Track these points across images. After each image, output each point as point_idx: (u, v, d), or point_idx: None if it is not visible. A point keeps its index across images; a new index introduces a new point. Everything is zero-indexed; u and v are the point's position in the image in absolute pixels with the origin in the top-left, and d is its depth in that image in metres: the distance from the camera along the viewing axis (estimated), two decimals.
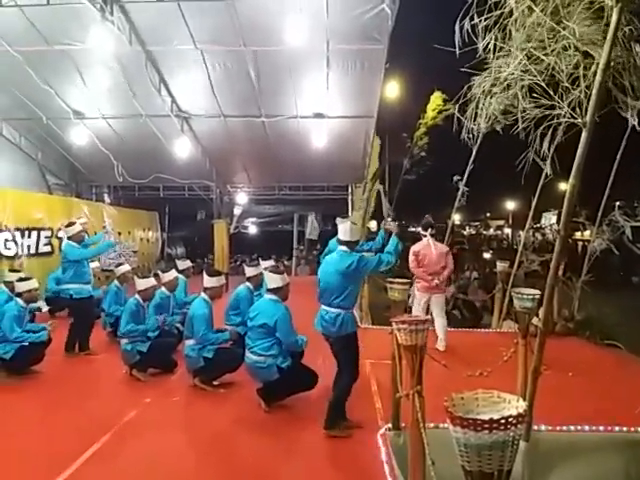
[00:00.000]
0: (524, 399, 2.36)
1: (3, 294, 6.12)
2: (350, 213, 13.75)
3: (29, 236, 9.43)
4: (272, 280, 4.88)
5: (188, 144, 11.30)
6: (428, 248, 6.95)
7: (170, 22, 8.05)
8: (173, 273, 6.91)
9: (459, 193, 8.81)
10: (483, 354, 6.03)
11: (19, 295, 5.88)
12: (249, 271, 6.43)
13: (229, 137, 11.59)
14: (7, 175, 10.90)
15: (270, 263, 6.86)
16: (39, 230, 9.72)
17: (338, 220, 4.48)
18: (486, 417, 1.90)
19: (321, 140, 11.04)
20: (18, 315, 5.75)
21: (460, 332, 8.33)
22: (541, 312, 3.52)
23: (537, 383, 3.31)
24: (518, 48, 3.24)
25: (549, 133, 3.31)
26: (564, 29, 3.00)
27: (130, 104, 10.34)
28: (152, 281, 6.21)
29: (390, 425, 4.18)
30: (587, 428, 4.23)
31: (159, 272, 7.14)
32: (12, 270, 7.09)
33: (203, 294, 5.55)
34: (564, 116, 3.05)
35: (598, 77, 2.81)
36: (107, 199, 15.25)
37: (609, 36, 2.75)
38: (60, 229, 10.01)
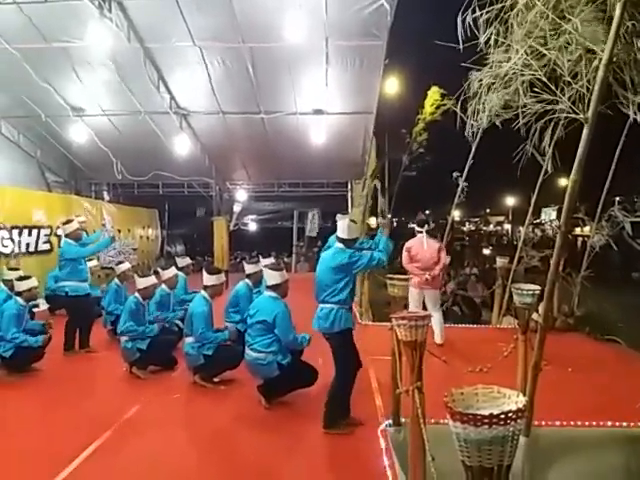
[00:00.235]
0: (524, 394, 2.36)
1: (2, 293, 6.12)
2: (350, 210, 13.74)
3: (29, 234, 9.42)
4: (271, 277, 4.89)
5: (187, 141, 11.28)
6: (420, 244, 6.99)
7: (168, 19, 8.02)
8: (173, 270, 6.93)
9: (459, 189, 8.80)
10: (483, 350, 6.04)
11: (19, 294, 5.87)
12: (248, 268, 6.43)
13: (228, 134, 11.57)
14: (6, 173, 10.88)
15: (270, 260, 6.87)
16: (39, 228, 9.72)
17: (338, 216, 4.48)
18: (486, 412, 1.90)
19: (320, 136, 11.02)
20: (17, 314, 5.74)
21: (460, 328, 8.34)
22: (541, 308, 3.53)
23: (537, 379, 3.32)
24: (519, 42, 3.23)
25: (549, 128, 3.30)
26: (567, 21, 2.99)
27: (129, 101, 10.33)
28: (152, 279, 6.21)
29: (390, 421, 4.19)
30: (587, 423, 4.24)
31: (159, 270, 7.15)
32: (11, 269, 7.09)
33: (203, 292, 5.55)
34: (565, 111, 3.04)
35: (600, 72, 2.80)
36: (106, 197, 15.24)
37: (612, 32, 2.74)
38: (59, 227, 10.01)
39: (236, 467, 3.81)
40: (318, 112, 10.58)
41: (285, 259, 18.23)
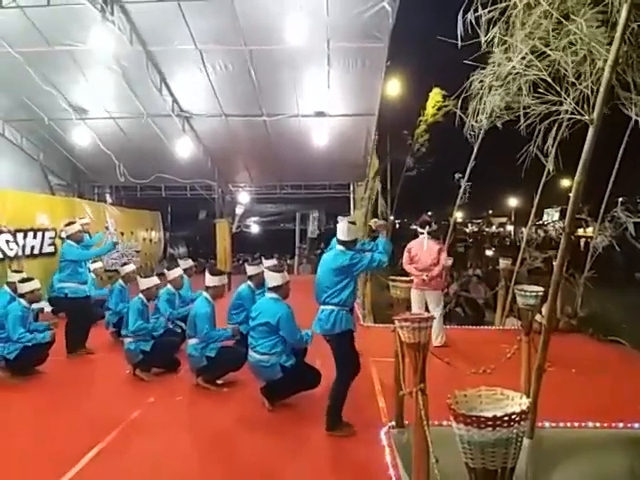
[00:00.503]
0: (528, 396, 2.36)
1: (6, 295, 6.15)
2: (352, 211, 13.74)
3: (33, 237, 9.44)
4: (272, 279, 4.90)
5: (190, 144, 11.30)
6: (421, 245, 7.03)
7: (170, 22, 8.04)
8: (178, 271, 6.97)
9: (461, 190, 8.80)
10: (486, 351, 6.02)
11: (22, 296, 5.90)
12: (250, 270, 6.44)
13: (230, 136, 11.58)
14: (9, 176, 10.91)
15: (273, 262, 6.87)
16: (43, 231, 9.74)
17: (339, 219, 4.49)
18: (489, 414, 1.89)
19: (322, 138, 11.03)
20: (22, 315, 5.78)
21: (463, 329, 8.33)
22: (544, 309, 3.52)
23: (541, 380, 3.31)
24: (522, 42, 3.22)
25: (553, 129, 3.29)
26: (571, 22, 2.98)
27: (131, 104, 10.35)
28: (155, 280, 6.24)
29: (394, 423, 4.19)
30: (591, 425, 4.23)
31: (165, 271, 7.20)
32: (15, 271, 7.12)
33: (205, 293, 5.56)
34: (570, 112, 3.03)
35: (606, 74, 2.79)
36: (109, 199, 15.28)
37: (618, 33, 2.73)
38: (62, 230, 10.04)
39: (239, 469, 3.81)
40: (320, 114, 10.59)
41: (288, 261, 18.24)
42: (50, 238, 9.93)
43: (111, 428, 4.35)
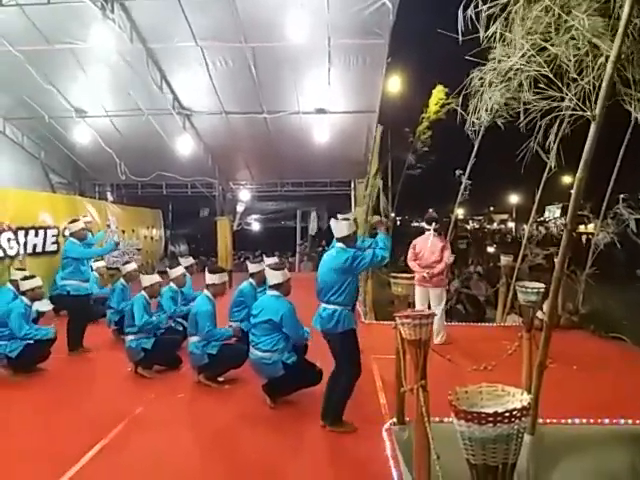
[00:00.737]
0: (529, 393, 2.36)
1: (9, 292, 6.17)
2: (353, 208, 13.72)
3: (35, 235, 9.46)
4: (273, 276, 4.90)
5: (190, 141, 11.29)
6: (425, 242, 7.01)
7: (171, 19, 8.03)
8: (180, 269, 6.99)
9: (462, 187, 8.79)
10: (487, 348, 6.02)
11: (24, 293, 5.93)
12: (252, 267, 6.44)
13: (231, 134, 11.58)
14: (10, 175, 10.92)
15: (274, 260, 6.88)
16: (45, 229, 9.75)
17: (332, 220, 4.45)
18: (490, 411, 1.90)
19: (323, 136, 11.02)
20: (25, 313, 5.80)
21: (464, 326, 8.34)
22: (545, 306, 3.52)
23: (542, 377, 3.31)
24: (523, 37, 3.21)
25: (554, 125, 3.28)
26: (572, 18, 2.97)
27: (132, 102, 10.35)
28: (157, 277, 6.27)
29: (395, 420, 4.19)
30: (592, 421, 4.23)
31: (167, 269, 7.22)
32: (18, 269, 7.14)
33: (206, 291, 5.57)
34: (571, 108, 3.02)
35: (608, 70, 2.77)
36: (110, 197, 15.28)
37: (620, 28, 2.71)
38: (66, 227, 10.07)
39: (241, 466, 3.82)
40: (321, 111, 10.58)
41: (289, 258, 18.25)
42: (53, 236, 9.94)
43: (113, 425, 4.36)
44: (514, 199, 42.55)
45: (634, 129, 7.08)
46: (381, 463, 3.68)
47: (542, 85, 3.21)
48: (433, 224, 7.07)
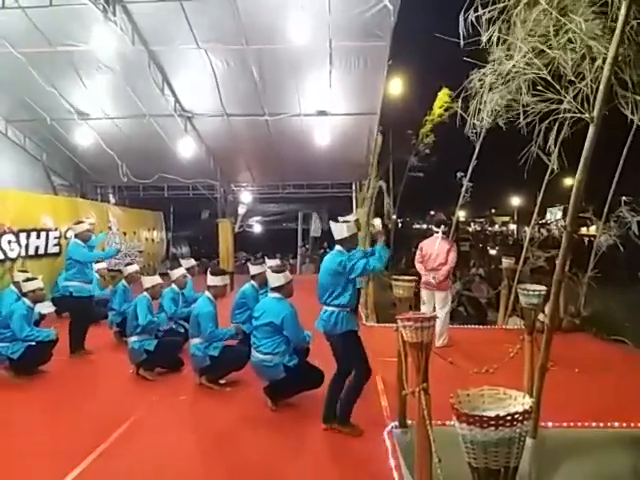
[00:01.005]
0: (531, 396, 2.35)
1: (12, 294, 6.17)
2: (354, 210, 13.72)
3: (37, 237, 9.47)
4: (274, 279, 4.90)
5: (192, 144, 11.30)
6: (432, 244, 7.02)
7: (172, 22, 8.04)
8: (181, 270, 7.00)
9: (463, 189, 8.78)
10: (489, 351, 6.01)
11: (26, 295, 5.93)
12: (253, 269, 6.45)
13: (232, 136, 11.59)
14: (12, 177, 10.93)
15: (276, 262, 6.87)
16: (47, 231, 9.76)
17: (331, 223, 4.46)
18: (492, 414, 1.89)
19: (324, 138, 11.02)
20: (26, 315, 5.81)
21: (466, 329, 8.32)
22: (547, 308, 3.51)
23: (544, 380, 3.30)
24: (522, 41, 3.22)
25: (554, 128, 3.28)
26: (569, 21, 2.98)
27: (133, 104, 10.37)
28: (158, 279, 6.30)
29: (397, 423, 4.18)
30: (594, 424, 4.22)
31: (168, 271, 7.23)
32: (21, 270, 7.16)
33: (207, 292, 5.57)
34: (570, 111, 3.02)
35: (606, 71, 2.78)
36: (112, 199, 15.31)
37: (617, 30, 2.72)
38: (69, 229, 10.10)
39: (242, 468, 3.81)
40: (322, 113, 10.58)
41: (290, 260, 18.24)
42: (55, 238, 9.96)
43: (115, 427, 4.36)
44: (516, 201, 42.48)
45: (636, 131, 7.06)
46: (382, 466, 3.67)
47: (542, 88, 3.21)
48: (441, 227, 7.08)
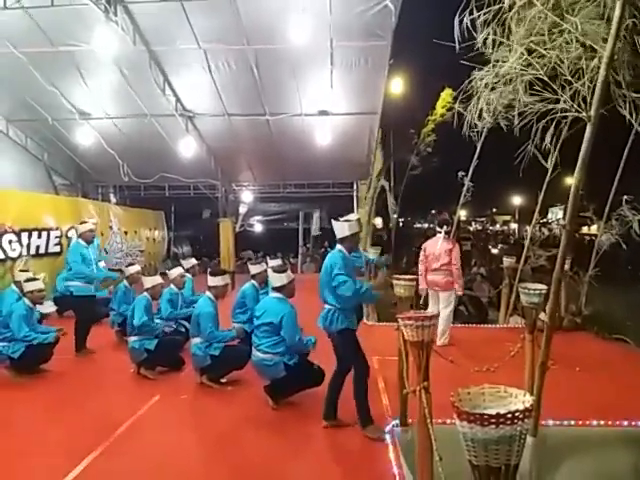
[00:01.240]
0: (531, 394, 2.36)
1: (13, 293, 6.18)
2: (355, 210, 13.74)
3: (38, 236, 9.48)
4: (276, 279, 4.91)
5: (193, 143, 11.32)
6: (435, 245, 7.04)
7: (173, 22, 8.06)
8: (178, 270, 6.99)
9: (464, 189, 8.79)
10: (490, 349, 6.02)
11: (26, 295, 5.94)
12: (253, 269, 6.45)
13: (234, 136, 11.60)
14: (13, 176, 10.96)
15: (277, 262, 6.88)
16: (48, 230, 9.78)
17: (333, 222, 4.47)
18: (493, 412, 1.89)
19: (325, 137, 11.03)
20: (26, 315, 5.81)
21: (466, 328, 8.32)
22: (548, 307, 3.51)
23: (544, 378, 3.30)
24: (518, 42, 3.23)
25: (553, 127, 3.29)
26: (567, 20, 2.99)
27: (135, 104, 10.39)
28: (158, 279, 6.29)
29: (397, 421, 4.19)
30: (595, 423, 4.23)
31: (166, 271, 7.22)
32: (22, 270, 7.17)
33: (208, 292, 5.58)
34: (567, 110, 3.03)
35: (602, 71, 2.79)
36: (113, 199, 15.33)
37: (613, 30, 2.72)
38: (70, 228, 10.12)
39: (243, 467, 3.82)
40: (323, 113, 10.59)
41: (291, 260, 18.25)
42: (56, 237, 9.97)
43: (116, 426, 4.38)
44: (517, 200, 42.47)
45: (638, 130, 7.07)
46: (384, 464, 3.68)
47: (540, 88, 3.22)
48: (444, 227, 7.09)
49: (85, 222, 7.40)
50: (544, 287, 3.93)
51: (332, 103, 10.26)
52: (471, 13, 3.26)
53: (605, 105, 2.95)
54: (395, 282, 4.58)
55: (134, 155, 12.02)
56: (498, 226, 50.30)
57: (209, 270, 5.90)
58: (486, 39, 3.36)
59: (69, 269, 7.07)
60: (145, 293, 6.10)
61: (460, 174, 8.78)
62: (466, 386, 2.12)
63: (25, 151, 11.90)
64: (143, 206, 15.41)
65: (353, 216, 4.70)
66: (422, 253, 7.25)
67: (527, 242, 8.62)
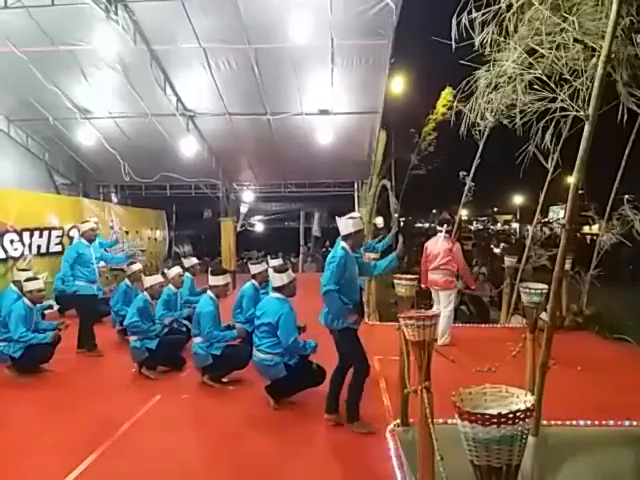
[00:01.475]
0: (532, 394, 2.35)
1: (13, 293, 6.18)
2: (357, 209, 13.73)
3: (39, 236, 9.49)
4: (276, 279, 4.90)
5: (194, 143, 11.31)
6: (435, 244, 7.05)
7: (174, 21, 8.05)
8: (177, 269, 6.97)
9: (465, 188, 8.78)
10: (491, 349, 6.00)
11: (25, 295, 5.94)
12: (254, 268, 6.45)
13: (234, 135, 11.60)
14: (15, 176, 10.96)
15: (278, 262, 6.88)
16: (49, 230, 9.79)
17: (337, 218, 4.48)
18: (494, 412, 1.89)
19: (326, 137, 11.01)
20: (24, 315, 5.78)
21: (468, 327, 8.32)
22: (549, 307, 3.51)
23: (545, 378, 3.30)
24: (517, 42, 3.22)
25: (553, 127, 3.29)
26: (564, 21, 2.98)
27: (136, 103, 10.38)
28: (159, 278, 6.30)
29: (399, 421, 4.19)
30: (596, 423, 4.22)
31: (165, 270, 7.21)
32: (21, 269, 7.17)
33: (209, 291, 5.58)
34: (566, 109, 3.02)
35: (599, 69, 2.79)
36: (114, 198, 15.34)
37: (609, 28, 2.72)
38: (72, 228, 10.14)
39: (244, 467, 3.82)
40: (324, 112, 10.57)
41: (292, 259, 18.26)
42: (57, 237, 9.98)
43: (117, 425, 4.38)
44: (518, 200, 42.50)
45: (639, 129, 7.05)
46: (385, 464, 3.68)
47: (541, 87, 3.21)
48: (445, 226, 7.09)
49: (87, 221, 7.42)
50: (545, 287, 3.93)
51: (333, 102, 10.25)
52: (470, 13, 3.25)
53: (607, 104, 2.95)
54: (396, 282, 4.58)
55: (135, 155, 12.02)
56: (499, 225, 50.29)
57: (210, 269, 5.90)
58: (489, 39, 3.35)
59: (72, 268, 7.04)
60: (145, 292, 6.10)
61: (461, 174, 8.76)
62: (467, 386, 2.12)
63: (26, 151, 11.89)
64: (144, 206, 15.42)
65: (357, 214, 4.71)
66: (424, 252, 7.29)
67: (528, 241, 8.60)
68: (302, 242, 19.53)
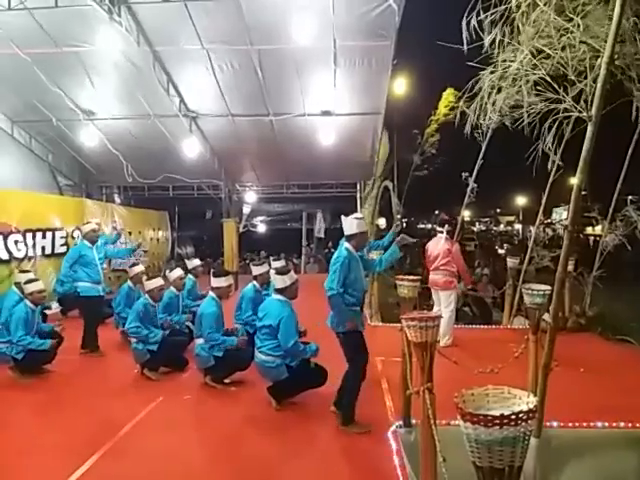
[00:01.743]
0: (535, 395, 2.35)
1: (15, 295, 6.18)
2: (359, 210, 13.73)
3: (43, 237, 9.52)
4: (278, 281, 4.90)
5: (197, 144, 11.33)
6: (436, 245, 7.07)
7: (177, 22, 8.07)
8: (178, 271, 6.96)
9: (468, 189, 8.77)
10: (494, 350, 5.99)
11: (27, 297, 5.94)
12: (255, 270, 6.45)
13: (237, 136, 11.60)
14: (18, 177, 10.98)
15: (281, 263, 6.87)
16: (53, 231, 9.81)
17: (342, 218, 4.50)
18: (497, 413, 1.89)
19: (329, 138, 11.01)
20: (25, 318, 5.77)
21: (470, 329, 8.31)
22: (552, 308, 3.50)
23: (548, 379, 3.29)
24: (523, 43, 3.22)
25: (557, 127, 3.28)
26: (570, 22, 2.98)
27: (139, 104, 10.40)
28: (159, 281, 6.22)
29: (401, 422, 4.18)
30: (599, 424, 4.21)
31: (166, 273, 7.21)
32: (22, 271, 7.17)
33: (212, 293, 5.58)
34: (570, 110, 3.02)
35: (602, 70, 2.79)
36: (117, 199, 15.37)
37: (612, 29, 2.72)
38: (75, 229, 10.16)
39: (246, 468, 3.82)
40: (326, 113, 10.57)
41: (294, 260, 18.25)
42: (61, 238, 10.01)
43: (120, 426, 4.38)
44: (521, 201, 42.40)
45: None
46: (387, 466, 3.67)
47: (546, 88, 3.21)
48: (445, 226, 7.11)
49: (88, 222, 7.44)
50: (548, 288, 3.92)
51: (335, 103, 10.25)
52: (477, 14, 3.25)
53: (611, 104, 2.95)
54: (399, 283, 4.58)
55: (138, 156, 12.04)
56: (502, 226, 50.21)
57: (212, 271, 5.90)
58: (497, 40, 3.35)
59: (75, 269, 7.06)
60: (146, 295, 6.10)
61: (464, 175, 8.76)
62: (470, 387, 2.11)
63: (30, 152, 11.92)
64: (147, 207, 15.43)
65: (361, 214, 4.72)
66: (426, 253, 7.32)
67: (531, 243, 8.59)
68: (304, 243, 19.53)
